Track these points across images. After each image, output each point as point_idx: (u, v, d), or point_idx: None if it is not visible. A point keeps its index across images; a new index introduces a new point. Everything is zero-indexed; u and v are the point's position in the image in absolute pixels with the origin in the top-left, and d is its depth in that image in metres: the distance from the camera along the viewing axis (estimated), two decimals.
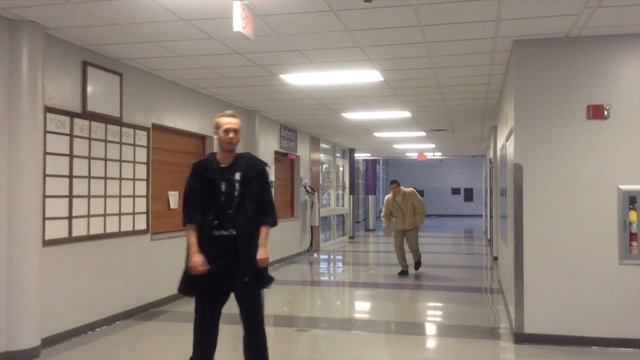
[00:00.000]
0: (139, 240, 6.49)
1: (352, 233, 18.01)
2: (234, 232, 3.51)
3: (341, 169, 18.23)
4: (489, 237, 14.44)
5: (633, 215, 4.97)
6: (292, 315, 6.80)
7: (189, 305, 6.73)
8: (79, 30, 5.05)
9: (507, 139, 6.44)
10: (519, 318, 5.17)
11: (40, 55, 4.83)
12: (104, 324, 5.81)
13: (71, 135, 5.40)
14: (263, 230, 3.63)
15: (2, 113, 4.62)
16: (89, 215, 5.62)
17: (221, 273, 3.52)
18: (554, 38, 5.17)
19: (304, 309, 7.52)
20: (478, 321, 6.19)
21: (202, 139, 8.21)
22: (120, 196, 6.11)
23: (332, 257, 13.50)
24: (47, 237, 5.04)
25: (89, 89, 5.63)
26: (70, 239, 5.37)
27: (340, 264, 12.82)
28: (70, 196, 5.37)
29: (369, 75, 6.87)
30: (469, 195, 32.96)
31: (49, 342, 5.04)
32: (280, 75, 6.93)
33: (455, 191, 33.33)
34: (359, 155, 20.79)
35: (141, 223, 6.49)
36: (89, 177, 5.63)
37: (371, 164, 22.86)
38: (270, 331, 3.98)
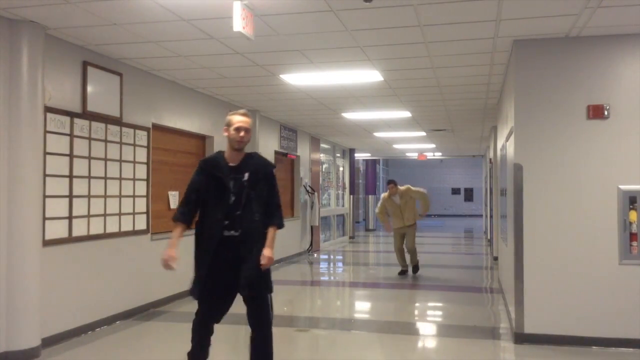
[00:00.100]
0: (139, 240, 6.49)
1: (352, 233, 18.01)
2: (241, 233, 3.49)
3: (341, 169, 18.23)
4: (489, 237, 14.44)
5: (633, 215, 4.97)
6: (292, 315, 6.80)
7: (189, 305, 6.76)
8: (79, 30, 5.05)
9: (507, 139, 6.44)
10: (519, 318, 5.17)
11: (40, 55, 4.83)
12: (104, 324, 5.82)
13: (71, 135, 5.40)
14: (270, 231, 3.60)
15: (2, 113, 4.62)
16: (89, 215, 5.62)
17: (229, 274, 3.49)
18: (554, 38, 5.17)
19: (304, 309, 7.52)
20: (478, 321, 6.19)
21: (202, 139, 8.21)
22: (120, 196, 6.11)
23: (332, 257, 13.50)
24: (47, 237, 5.04)
25: (89, 89, 5.64)
26: (70, 239, 5.37)
27: (340, 264, 12.82)
28: (71, 196, 5.37)
29: (369, 75, 6.87)
30: (469, 195, 32.96)
31: (49, 342, 5.05)
32: (280, 75, 6.93)
33: (455, 191, 33.33)
34: (359, 155, 20.79)
35: (141, 223, 6.50)
36: (89, 177, 5.63)
37: (371, 164, 22.86)
38: None
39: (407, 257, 9.69)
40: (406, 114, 10.11)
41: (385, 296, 8.30)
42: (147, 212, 6.60)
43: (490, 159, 12.64)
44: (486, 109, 9.66)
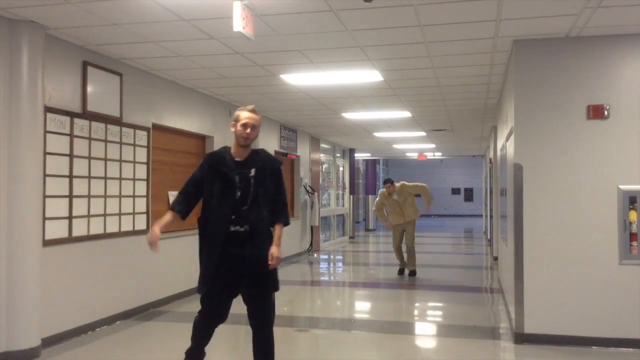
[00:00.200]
0: (139, 240, 6.47)
1: (352, 233, 18.01)
2: (248, 229, 3.45)
3: (341, 169, 18.23)
4: (489, 237, 14.44)
5: (633, 215, 4.97)
6: (292, 315, 6.80)
7: (189, 305, 6.77)
8: (79, 30, 5.05)
9: (507, 139, 6.44)
10: (519, 318, 5.17)
11: (40, 55, 4.83)
12: (104, 324, 5.81)
13: (71, 135, 5.40)
14: (277, 229, 3.57)
15: (2, 113, 4.62)
16: (89, 215, 5.62)
17: (233, 271, 3.45)
18: (554, 38, 5.17)
19: (304, 309, 7.51)
20: (478, 321, 6.19)
21: (202, 139, 8.21)
22: (120, 196, 6.11)
23: (332, 257, 13.50)
24: (47, 237, 5.04)
25: (89, 89, 5.64)
26: (70, 239, 5.37)
27: (340, 264, 12.82)
28: (71, 196, 5.37)
29: (369, 75, 6.87)
30: (469, 195, 32.95)
31: (49, 342, 5.04)
32: (280, 75, 6.93)
33: (455, 191, 33.33)
34: (359, 155, 20.79)
35: (141, 223, 6.49)
36: (89, 177, 5.63)
37: (371, 164, 22.87)
38: None
39: (406, 257, 9.69)
40: (406, 114, 10.11)
41: (385, 296, 8.30)
42: (147, 212, 6.60)
43: (490, 159, 12.64)
44: (486, 109, 9.66)
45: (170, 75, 6.95)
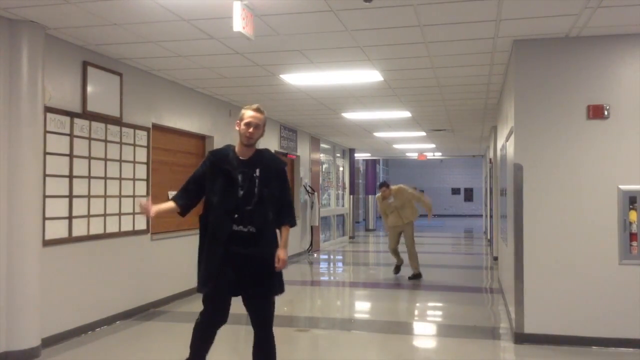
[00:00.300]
0: (139, 240, 6.49)
1: (352, 233, 18.01)
2: (252, 230, 3.40)
3: (341, 169, 18.23)
4: (489, 237, 14.44)
5: (633, 215, 4.97)
6: (292, 315, 6.80)
7: (189, 305, 6.77)
8: (79, 30, 5.05)
9: (507, 139, 6.44)
10: (519, 318, 5.17)
11: (40, 55, 4.83)
12: (104, 324, 5.81)
13: (71, 135, 5.40)
14: (283, 231, 3.54)
15: (2, 113, 4.62)
16: (89, 215, 5.62)
17: (236, 272, 3.40)
18: (554, 38, 5.17)
19: (304, 309, 7.51)
20: (478, 321, 6.19)
21: (202, 139, 8.21)
22: (120, 196, 6.11)
23: (332, 257, 13.50)
24: (47, 237, 5.04)
25: (89, 89, 5.64)
26: (70, 239, 5.37)
27: (340, 264, 12.83)
28: (70, 196, 5.37)
29: (369, 75, 6.87)
30: (469, 195, 32.96)
31: (49, 342, 5.05)
32: (280, 75, 6.93)
33: (455, 191, 33.33)
34: (359, 155, 20.79)
35: (141, 223, 6.49)
36: (89, 177, 5.63)
37: (371, 164, 22.86)
38: None
39: (405, 257, 9.62)
40: (406, 114, 10.11)
41: (385, 296, 8.30)
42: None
43: (490, 159, 12.65)
44: (486, 109, 9.66)
45: (170, 75, 6.95)
